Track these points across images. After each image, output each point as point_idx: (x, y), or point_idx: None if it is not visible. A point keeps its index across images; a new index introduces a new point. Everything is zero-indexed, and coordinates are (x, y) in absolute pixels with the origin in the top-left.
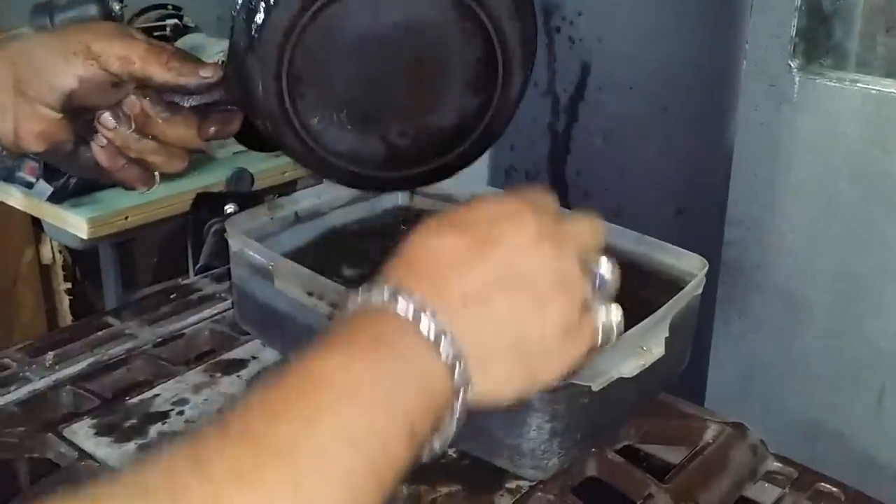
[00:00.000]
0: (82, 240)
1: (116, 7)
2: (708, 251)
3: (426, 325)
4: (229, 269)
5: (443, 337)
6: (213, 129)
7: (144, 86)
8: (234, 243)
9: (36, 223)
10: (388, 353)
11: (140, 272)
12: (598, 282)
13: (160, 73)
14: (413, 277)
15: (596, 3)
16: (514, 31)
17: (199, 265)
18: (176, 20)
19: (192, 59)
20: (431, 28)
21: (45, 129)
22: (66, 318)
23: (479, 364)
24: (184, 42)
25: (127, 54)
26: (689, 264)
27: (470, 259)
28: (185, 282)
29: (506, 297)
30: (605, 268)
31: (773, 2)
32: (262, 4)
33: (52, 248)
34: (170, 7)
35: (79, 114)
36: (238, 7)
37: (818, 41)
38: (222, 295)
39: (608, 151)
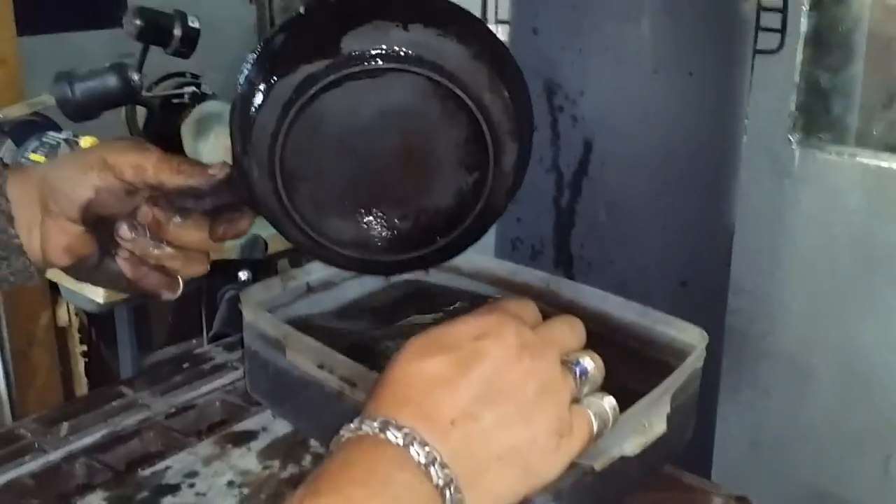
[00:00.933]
0: (99, 304)
1: (136, 77)
2: (712, 322)
3: (416, 454)
4: (242, 337)
5: (433, 463)
6: (223, 230)
7: (157, 194)
8: (248, 314)
9: (53, 286)
10: (383, 484)
11: (155, 333)
12: (582, 376)
13: (171, 177)
14: (401, 404)
15: (597, 83)
16: (497, 103)
17: (212, 332)
18: (194, 88)
19: (199, 163)
20: (414, 113)
21: (69, 243)
22: (81, 380)
23: (473, 479)
24: (201, 109)
25: (140, 163)
26: (691, 337)
27: (454, 378)
28: (197, 351)
29: (493, 411)
30: (587, 362)
31: (772, 78)
32: (249, 111)
33: (68, 310)
34: (188, 75)
35: (99, 225)
36: (231, 113)
37: (817, 116)
38: (234, 364)
39: (612, 225)
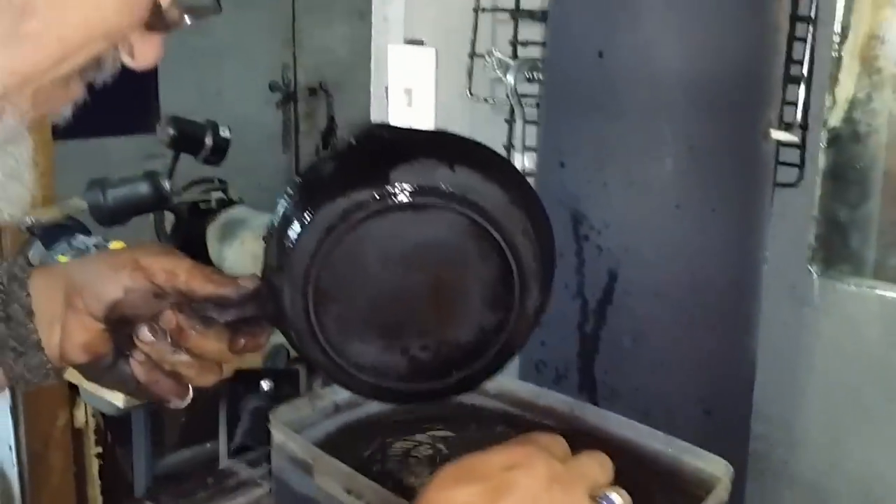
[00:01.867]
0: (118, 407)
1: (167, 185)
2: (736, 449)
3: None
4: (266, 453)
5: None
6: (243, 343)
7: (182, 301)
8: (277, 435)
9: (71, 387)
10: None
11: (168, 433)
12: None
13: (203, 286)
14: None
15: (622, 216)
16: (528, 248)
17: (234, 445)
18: (221, 193)
19: (230, 275)
20: (450, 249)
21: (88, 340)
22: (94, 482)
23: None
24: (228, 215)
25: (172, 268)
26: (716, 468)
27: None
28: (222, 466)
29: None
30: (615, 497)
31: (792, 211)
32: (290, 230)
33: (86, 412)
34: (215, 181)
35: (120, 326)
36: (270, 229)
37: (836, 248)
38: (258, 481)
39: (637, 353)
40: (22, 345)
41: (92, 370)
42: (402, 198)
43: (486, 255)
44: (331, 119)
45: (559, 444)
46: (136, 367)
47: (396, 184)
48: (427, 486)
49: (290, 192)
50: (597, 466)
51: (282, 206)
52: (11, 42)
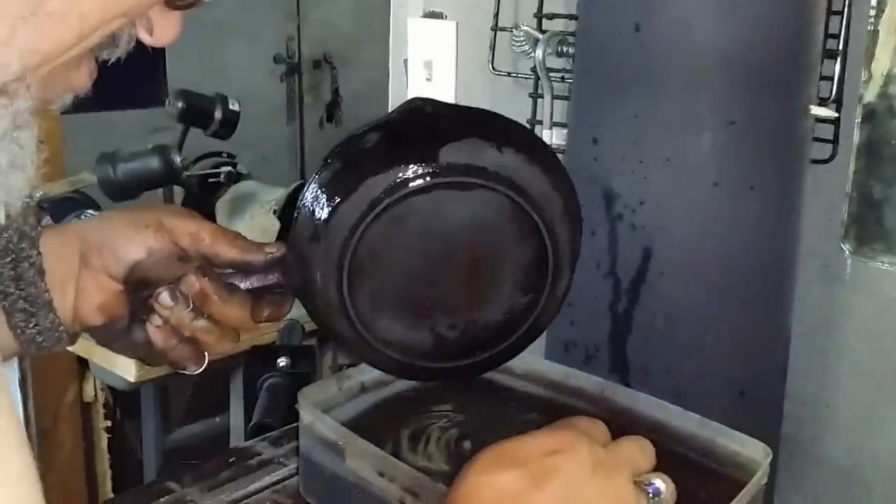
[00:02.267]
0: (129, 381)
1: (178, 159)
2: (769, 431)
3: None
4: (285, 431)
5: None
6: (266, 312)
7: (205, 266)
8: (306, 415)
9: (81, 361)
10: None
11: (175, 408)
12: (654, 497)
13: (228, 250)
14: None
15: (657, 194)
16: (565, 232)
17: (253, 423)
18: (230, 168)
19: (255, 241)
20: (489, 230)
21: (105, 301)
22: (103, 456)
23: None
24: (237, 189)
25: (197, 231)
26: (754, 451)
27: (529, 492)
28: (243, 445)
29: None
30: (660, 483)
31: (824, 187)
32: (329, 200)
33: (94, 386)
34: (224, 155)
35: (138, 288)
36: (304, 199)
37: (870, 226)
38: (281, 460)
39: (670, 333)
40: (33, 305)
41: (105, 333)
42: (450, 176)
43: (524, 237)
44: (335, 91)
45: (600, 428)
46: (153, 331)
47: (445, 162)
48: (466, 469)
49: (329, 161)
50: (639, 451)
51: (318, 176)
52: (34, 20)
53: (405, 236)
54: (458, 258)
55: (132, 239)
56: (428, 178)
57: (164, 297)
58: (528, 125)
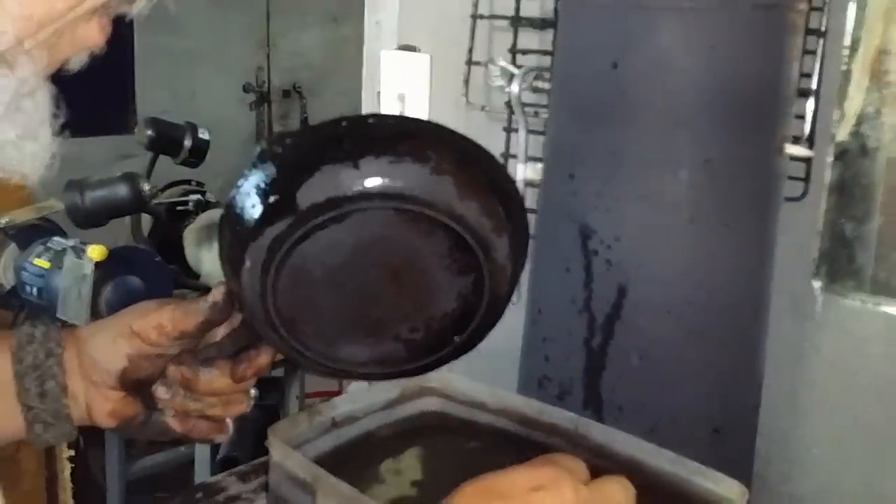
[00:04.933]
0: None
1: (146, 187)
2: (743, 468)
3: None
4: (253, 465)
5: None
6: (242, 369)
7: (183, 351)
8: (276, 453)
9: None
10: None
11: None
12: None
13: (188, 322)
14: None
15: (633, 230)
16: (470, 208)
17: (220, 456)
18: (199, 196)
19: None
20: (394, 240)
21: (114, 408)
22: (66, 485)
23: None
24: (205, 217)
25: (159, 322)
26: (729, 490)
27: None
28: (209, 481)
29: None
30: None
31: (795, 225)
32: (239, 271)
33: None
34: (193, 183)
35: (138, 388)
36: (224, 274)
37: (840, 264)
38: (249, 496)
39: (644, 369)
40: (55, 419)
41: (126, 430)
42: (315, 218)
43: (429, 233)
44: (304, 121)
45: (581, 467)
46: (171, 420)
47: (305, 206)
48: (447, 502)
49: (224, 233)
50: (621, 491)
51: (222, 248)
52: None
53: (314, 279)
54: (377, 275)
55: (111, 352)
56: (296, 229)
57: (160, 391)
58: (502, 158)
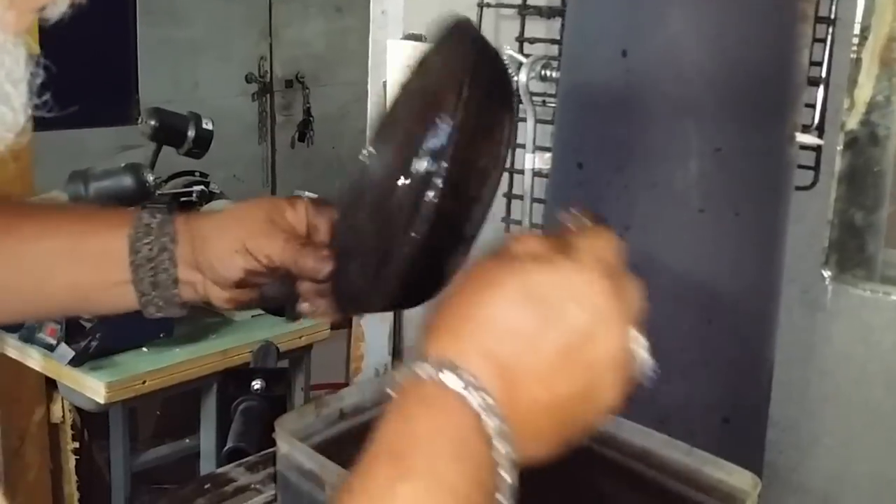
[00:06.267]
0: (98, 403)
1: (150, 178)
2: (754, 458)
3: (490, 425)
4: (261, 456)
5: (502, 437)
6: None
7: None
8: (283, 445)
9: (49, 381)
10: (457, 458)
11: (142, 427)
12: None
13: (303, 260)
14: (477, 354)
15: (642, 219)
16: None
17: (227, 447)
18: (202, 186)
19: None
20: None
21: (230, 297)
22: (71, 477)
23: (525, 441)
24: (209, 207)
25: (269, 253)
26: (741, 481)
27: (538, 341)
28: (219, 471)
29: (568, 386)
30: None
31: (805, 215)
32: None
33: (62, 407)
34: (197, 174)
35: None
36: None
37: (851, 253)
38: (258, 487)
39: (655, 359)
40: (167, 304)
41: (245, 306)
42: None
43: None
44: (307, 111)
45: (614, 255)
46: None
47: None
48: (468, 283)
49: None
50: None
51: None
52: None
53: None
54: None
55: (227, 263)
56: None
57: (304, 308)
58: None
